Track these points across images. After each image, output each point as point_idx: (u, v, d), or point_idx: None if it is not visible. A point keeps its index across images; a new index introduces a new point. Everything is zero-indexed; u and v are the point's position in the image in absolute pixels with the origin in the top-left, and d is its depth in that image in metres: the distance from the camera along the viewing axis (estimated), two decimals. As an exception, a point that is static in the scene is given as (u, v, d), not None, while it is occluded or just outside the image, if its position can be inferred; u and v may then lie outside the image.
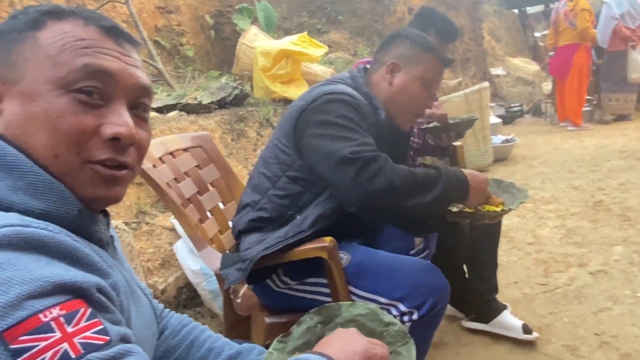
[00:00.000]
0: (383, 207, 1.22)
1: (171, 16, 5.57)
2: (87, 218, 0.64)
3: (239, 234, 1.41)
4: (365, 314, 0.92)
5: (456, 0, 7.59)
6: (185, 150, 1.64)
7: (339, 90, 1.35)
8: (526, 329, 1.91)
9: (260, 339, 1.38)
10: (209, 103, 3.30)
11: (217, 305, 2.05)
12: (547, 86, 8.03)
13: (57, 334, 0.49)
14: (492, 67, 8.94)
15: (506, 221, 2.71)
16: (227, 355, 0.92)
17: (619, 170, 4.12)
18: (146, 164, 1.38)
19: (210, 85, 4.04)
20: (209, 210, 1.63)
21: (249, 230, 1.39)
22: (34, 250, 0.53)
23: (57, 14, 0.64)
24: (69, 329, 0.50)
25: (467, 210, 1.34)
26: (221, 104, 3.41)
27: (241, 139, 3.23)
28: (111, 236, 0.73)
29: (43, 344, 0.48)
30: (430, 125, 1.99)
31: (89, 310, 0.53)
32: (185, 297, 2.22)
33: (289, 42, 3.59)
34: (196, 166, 1.65)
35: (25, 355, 0.47)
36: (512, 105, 7.42)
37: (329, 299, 1.31)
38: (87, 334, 0.51)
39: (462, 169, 1.33)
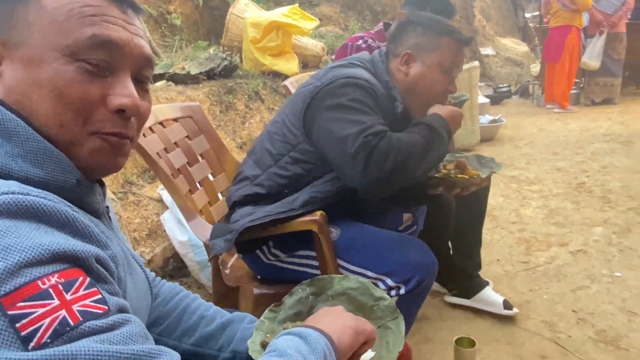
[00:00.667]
0: (395, 186, 1.23)
1: (159, -17, 5.41)
2: (85, 188, 0.63)
3: (233, 205, 1.41)
4: (356, 288, 0.94)
5: (449, -23, 7.49)
6: (175, 120, 1.62)
7: (358, 75, 1.32)
8: (507, 305, 1.96)
9: (249, 309, 1.39)
10: (197, 74, 3.25)
11: (204, 276, 2.06)
12: (536, 67, 8.06)
13: (56, 301, 0.49)
14: (482, 46, 8.92)
15: (491, 200, 2.74)
16: (218, 323, 0.92)
17: (602, 153, 4.19)
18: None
19: (198, 55, 3.97)
20: (199, 182, 1.63)
21: (243, 203, 1.39)
22: (33, 219, 0.52)
23: None
24: (68, 297, 0.50)
25: (440, 175, 1.36)
26: (209, 75, 3.36)
27: (230, 111, 3.20)
28: (107, 207, 0.73)
29: (41, 310, 0.48)
30: None
31: (88, 279, 0.53)
32: (172, 268, 2.23)
33: (280, 14, 3.53)
34: (186, 137, 1.63)
35: (23, 322, 0.46)
36: (501, 85, 7.44)
37: (318, 272, 1.33)
38: (86, 302, 0.51)
39: (434, 111, 1.35)
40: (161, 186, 2.31)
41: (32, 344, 0.46)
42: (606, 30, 5.94)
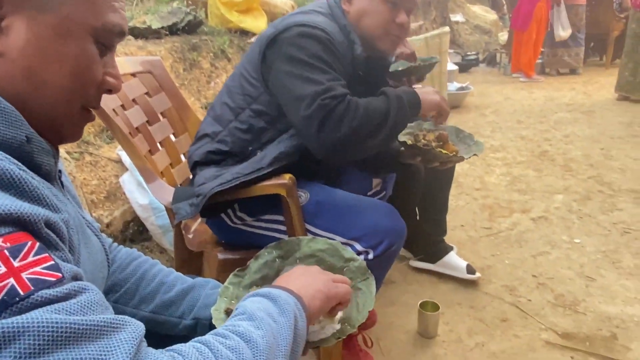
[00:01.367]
0: (349, 152, 1.20)
1: None
2: (36, 146, 0.57)
3: (194, 165, 1.34)
4: (325, 249, 0.90)
5: (422, -61, 7.33)
6: (133, 75, 1.52)
7: (314, 23, 1.25)
8: (470, 270, 1.99)
9: (213, 275, 1.35)
10: (158, 28, 3.07)
11: (166, 240, 2.00)
12: (503, 36, 8.10)
13: (2, 268, 0.43)
14: (452, 13, 8.86)
15: (457, 167, 2.76)
16: (179, 290, 0.88)
17: (565, 122, 4.27)
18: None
19: (160, 9, 3.75)
20: (160, 142, 1.54)
21: (206, 163, 1.32)
22: None
23: None
24: (16, 264, 0.44)
25: (420, 146, 1.33)
26: (172, 30, 3.18)
27: (194, 70, 3.06)
28: (59, 171, 0.66)
29: None
30: (391, 68, 1.95)
31: (38, 244, 0.47)
32: (133, 232, 2.15)
33: (247, -33, 3.35)
34: (145, 93, 1.53)
35: None
36: (469, 53, 7.45)
37: (285, 237, 1.29)
38: (37, 269, 0.45)
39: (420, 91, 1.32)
40: (120, 146, 2.19)
41: None
42: (562, 0, 5.99)
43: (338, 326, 0.77)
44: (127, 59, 1.55)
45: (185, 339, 0.88)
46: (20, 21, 0.56)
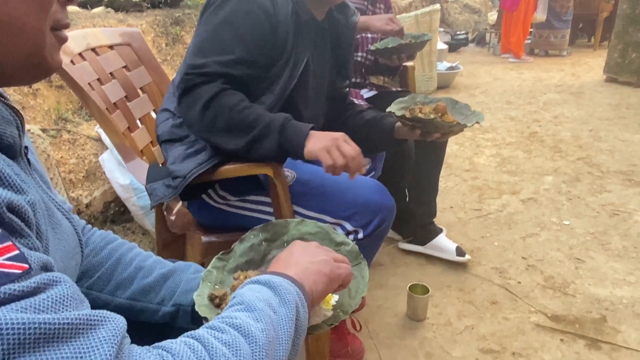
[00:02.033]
0: (203, 135, 1.15)
1: None
2: None
3: (161, 143, 1.27)
4: (314, 233, 0.85)
5: None
6: (110, 47, 1.43)
7: None
8: (459, 252, 1.96)
9: (197, 258, 1.30)
10: (140, 1, 2.95)
11: (148, 221, 1.93)
12: (493, 16, 8.01)
13: None
14: (442, -9, 8.73)
15: (446, 148, 2.72)
16: (158, 274, 0.82)
17: (554, 103, 4.25)
18: (63, 59, 1.17)
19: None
20: (139, 119, 1.47)
21: (172, 140, 1.25)
22: None
23: None
24: None
25: (421, 117, 1.27)
26: (154, 4, 3.06)
27: (177, 44, 2.94)
28: (25, 147, 0.59)
29: None
30: (380, 45, 1.88)
31: None
32: (114, 213, 2.08)
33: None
34: (124, 67, 1.45)
35: None
36: (458, 32, 7.37)
37: (272, 218, 1.24)
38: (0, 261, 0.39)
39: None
40: (99, 124, 2.10)
41: None
42: None
43: (330, 312, 0.73)
44: (104, 30, 1.46)
45: (165, 326, 0.83)
46: None
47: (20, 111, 0.57)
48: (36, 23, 0.50)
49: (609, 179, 2.71)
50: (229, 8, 1.15)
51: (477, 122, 1.28)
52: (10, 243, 0.41)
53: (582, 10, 6.44)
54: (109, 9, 2.87)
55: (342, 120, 1.50)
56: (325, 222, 1.20)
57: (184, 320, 0.81)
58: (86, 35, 1.36)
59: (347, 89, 1.50)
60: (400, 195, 2.00)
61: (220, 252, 0.83)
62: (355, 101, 1.74)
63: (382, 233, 1.25)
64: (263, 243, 0.86)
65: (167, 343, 0.49)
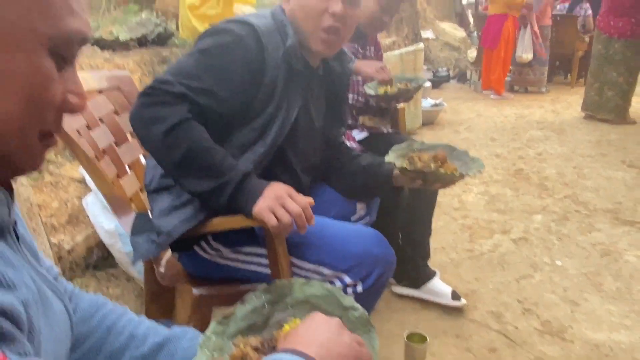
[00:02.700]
0: (155, 156, 1.10)
1: None
2: None
3: (148, 192, 1.22)
4: (321, 295, 0.80)
5: (394, -44, 7.40)
6: (99, 92, 1.39)
7: (231, 27, 1.15)
8: (455, 296, 1.92)
9: (187, 312, 1.23)
10: (127, 40, 2.93)
11: (134, 268, 1.85)
12: (472, 53, 8.24)
13: None
14: (423, 29, 8.97)
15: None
16: (152, 344, 0.77)
17: (537, 140, 4.32)
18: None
19: (128, 19, 3.61)
20: (128, 164, 1.42)
21: (158, 190, 1.20)
22: None
23: None
24: None
25: (422, 169, 1.26)
26: (141, 42, 3.05)
27: (164, 84, 2.92)
28: (15, 221, 0.54)
29: None
30: (372, 90, 1.91)
31: None
32: (97, 258, 1.99)
33: (221, -20, 3.26)
34: (113, 112, 1.41)
35: None
36: (440, 69, 7.53)
37: (267, 270, 1.19)
38: None
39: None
40: (84, 165, 2.04)
41: None
42: (529, 23, 6.14)
43: None
44: (92, 73, 1.42)
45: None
46: None
47: (12, 183, 0.53)
48: (24, 125, 0.47)
49: (597, 217, 2.73)
50: (213, 40, 1.15)
51: (479, 171, 1.27)
52: (0, 353, 0.37)
53: (558, 49, 6.66)
54: (96, 47, 2.85)
55: (338, 166, 1.48)
56: (322, 274, 1.16)
57: (181, 393, 0.75)
58: (75, 79, 1.33)
59: (343, 134, 1.49)
60: (394, 238, 1.96)
61: (221, 316, 0.78)
62: (348, 143, 1.73)
63: (382, 286, 1.21)
64: (266, 305, 0.81)
65: None
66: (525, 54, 6.16)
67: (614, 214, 2.75)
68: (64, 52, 0.49)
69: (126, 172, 1.39)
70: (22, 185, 1.48)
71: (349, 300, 0.79)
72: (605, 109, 4.75)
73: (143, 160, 1.48)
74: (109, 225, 1.81)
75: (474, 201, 3.02)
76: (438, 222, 2.73)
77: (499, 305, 1.96)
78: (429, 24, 9.68)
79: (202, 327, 0.81)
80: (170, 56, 3.07)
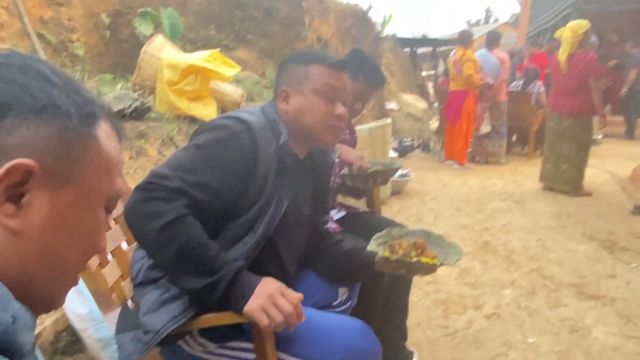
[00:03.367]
0: (146, 249, 1.13)
1: (61, 9, 5.03)
2: (21, 325, 0.48)
3: (134, 285, 1.21)
4: None
5: (361, 35, 7.89)
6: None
7: (227, 123, 1.22)
8: (433, 378, 1.92)
9: (169, 411, 1.19)
10: (104, 114, 2.96)
11: (106, 354, 1.77)
12: (434, 124, 8.64)
13: None
14: (387, 101, 9.40)
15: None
16: None
17: (501, 211, 4.49)
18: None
19: (103, 89, 3.66)
20: (110, 252, 1.40)
21: (145, 283, 1.20)
22: None
23: (102, 108, 0.57)
24: None
25: (405, 259, 1.30)
26: (118, 116, 3.08)
27: (140, 157, 2.93)
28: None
29: None
30: (356, 172, 2.00)
31: None
32: (65, 343, 1.90)
33: (200, 58, 3.38)
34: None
35: None
36: (404, 139, 7.83)
37: (254, 365, 1.17)
38: None
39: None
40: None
41: None
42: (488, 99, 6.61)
43: None
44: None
45: None
46: (42, 196, 0.51)
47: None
48: (78, 270, 0.56)
49: (563, 291, 2.81)
50: (210, 136, 1.20)
51: (458, 259, 1.32)
52: None
53: (515, 122, 7.08)
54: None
55: (320, 251, 1.51)
56: (311, 369, 1.16)
57: None
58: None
59: (327, 221, 1.53)
60: (373, 320, 1.96)
61: None
62: (329, 223, 1.78)
63: (368, 378, 1.21)
64: None
65: None
66: (483, 126, 6.55)
67: (579, 289, 2.85)
68: (111, 207, 0.58)
69: (107, 261, 1.37)
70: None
71: None
72: (562, 181, 5.02)
73: (125, 246, 1.47)
74: (82, 310, 1.75)
75: (445, 274, 3.08)
76: (412, 296, 2.73)
77: (477, 386, 1.96)
78: (392, 95, 10.18)
79: None
80: (147, 130, 3.10)
